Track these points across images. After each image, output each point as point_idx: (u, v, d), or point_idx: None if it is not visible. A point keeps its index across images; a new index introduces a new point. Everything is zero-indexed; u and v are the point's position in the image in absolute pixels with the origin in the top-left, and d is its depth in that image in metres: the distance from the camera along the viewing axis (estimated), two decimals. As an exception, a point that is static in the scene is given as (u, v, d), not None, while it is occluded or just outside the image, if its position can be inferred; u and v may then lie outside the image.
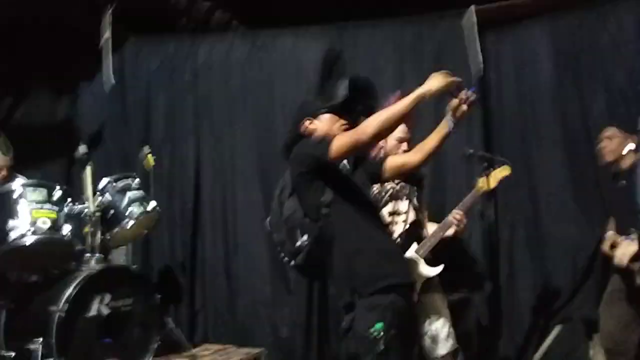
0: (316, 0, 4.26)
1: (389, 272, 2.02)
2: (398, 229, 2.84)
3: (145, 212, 3.42)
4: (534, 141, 3.78)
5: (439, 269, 2.85)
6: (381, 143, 2.85)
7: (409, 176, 2.90)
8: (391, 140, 2.82)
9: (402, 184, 2.90)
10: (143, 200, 3.45)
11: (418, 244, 2.86)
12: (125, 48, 4.41)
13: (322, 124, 2.22)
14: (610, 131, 3.22)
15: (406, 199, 2.88)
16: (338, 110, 2.22)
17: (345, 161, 2.25)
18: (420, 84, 1.97)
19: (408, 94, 2.37)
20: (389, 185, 2.87)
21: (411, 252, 2.82)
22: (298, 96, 3.97)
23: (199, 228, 4.21)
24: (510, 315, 3.68)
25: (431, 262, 2.86)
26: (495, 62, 3.90)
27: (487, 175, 2.93)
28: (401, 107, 1.97)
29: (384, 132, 2.01)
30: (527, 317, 3.66)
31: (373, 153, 2.93)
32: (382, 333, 1.87)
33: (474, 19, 3.75)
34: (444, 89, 2.00)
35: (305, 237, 2.10)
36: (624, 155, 3.13)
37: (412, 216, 2.87)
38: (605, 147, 3.23)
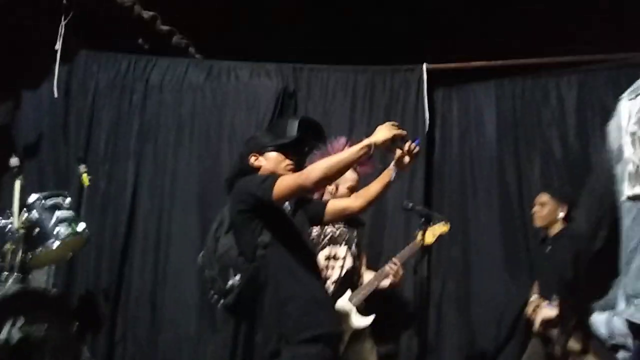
0: (275, 38, 4.32)
1: (319, 321, 2.01)
2: (334, 275, 2.83)
3: (73, 234, 3.25)
4: (471, 200, 3.90)
5: (370, 319, 2.84)
6: (332, 190, 2.87)
7: (349, 222, 2.92)
8: (342, 188, 2.84)
9: (342, 229, 2.91)
10: (72, 221, 3.28)
11: (352, 291, 2.84)
12: (76, 61, 4.28)
13: (268, 161, 2.20)
14: (544, 197, 3.35)
15: (345, 245, 2.88)
16: (286, 150, 2.21)
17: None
18: (370, 132, 2.00)
19: (355, 143, 2.42)
20: (328, 229, 2.88)
21: (344, 300, 2.80)
22: (247, 130, 3.97)
23: (128, 255, 4.01)
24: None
25: (363, 312, 2.85)
26: (441, 119, 4.04)
27: (426, 230, 2.94)
28: (348, 156, 1.98)
29: (329, 178, 2.01)
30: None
31: (318, 195, 2.93)
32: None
33: (425, 76, 3.92)
34: (390, 141, 2.02)
35: (237, 277, 2.06)
36: (555, 222, 3.26)
37: (349, 262, 2.87)
38: (537, 212, 3.35)
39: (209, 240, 2.23)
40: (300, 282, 2.06)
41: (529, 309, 3.16)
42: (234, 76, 4.20)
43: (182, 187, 4.05)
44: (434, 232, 2.99)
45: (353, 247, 2.92)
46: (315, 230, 2.86)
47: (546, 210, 3.29)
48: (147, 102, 4.21)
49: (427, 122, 3.89)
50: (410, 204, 2.87)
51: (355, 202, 2.40)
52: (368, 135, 2.05)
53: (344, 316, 2.79)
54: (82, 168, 3.54)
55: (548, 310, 2.77)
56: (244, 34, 4.40)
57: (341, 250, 2.88)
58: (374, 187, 2.33)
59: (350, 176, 2.86)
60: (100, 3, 4.13)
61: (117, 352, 3.91)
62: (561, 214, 3.21)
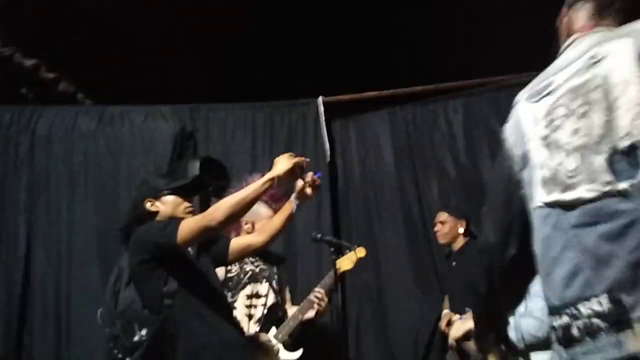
0: (168, 80, 4.26)
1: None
2: (257, 313, 2.78)
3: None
4: (377, 224, 4.00)
5: (297, 353, 2.79)
6: (248, 229, 2.83)
7: (268, 258, 2.89)
8: (259, 226, 2.79)
9: (262, 266, 2.86)
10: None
11: (277, 327, 2.79)
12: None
13: (165, 205, 2.12)
14: (443, 216, 3.52)
15: (266, 282, 2.84)
16: (183, 192, 2.14)
17: None
18: (271, 165, 2.00)
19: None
20: (247, 267, 2.83)
21: (269, 337, 2.75)
22: (144, 173, 3.84)
23: (27, 317, 3.72)
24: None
25: (290, 347, 2.80)
26: (341, 149, 4.16)
27: (344, 257, 2.99)
28: (251, 191, 1.95)
29: (234, 216, 1.96)
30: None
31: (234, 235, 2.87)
32: None
33: (322, 109, 4.02)
34: (290, 171, 2.01)
35: (144, 332, 1.97)
36: (456, 237, 3.42)
37: (271, 299, 2.83)
38: (439, 230, 3.51)
39: (107, 295, 2.09)
40: (212, 327, 1.99)
41: (442, 323, 3.27)
42: (128, 121, 4.07)
43: (79, 239, 3.82)
44: (351, 258, 3.00)
45: (274, 283, 2.88)
46: (235, 270, 2.80)
47: (447, 228, 3.46)
48: (35, 154, 3.97)
49: (328, 152, 3.98)
50: (319, 235, 2.89)
51: (258, 237, 2.37)
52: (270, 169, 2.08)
53: (271, 353, 2.72)
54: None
55: (460, 324, 2.87)
56: (135, 77, 4.30)
57: (263, 287, 2.83)
58: (276, 220, 2.32)
59: (266, 213, 2.84)
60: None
61: None
62: (461, 230, 3.38)
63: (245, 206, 1.96)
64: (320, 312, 2.88)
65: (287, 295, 3.08)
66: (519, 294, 1.45)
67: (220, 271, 2.75)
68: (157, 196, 2.13)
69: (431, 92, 4.08)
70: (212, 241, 2.35)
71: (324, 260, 3.57)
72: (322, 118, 4.02)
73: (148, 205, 2.11)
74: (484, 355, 1.63)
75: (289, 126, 4.07)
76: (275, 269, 2.94)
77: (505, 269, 1.31)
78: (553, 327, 1.10)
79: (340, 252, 3.02)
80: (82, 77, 4.53)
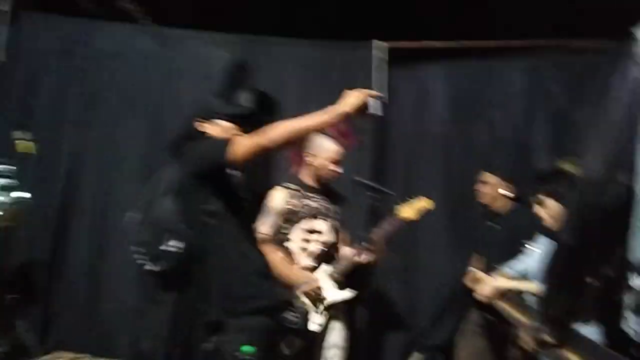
0: (227, 8, 4.22)
1: (261, 293, 1.99)
2: (312, 248, 2.78)
3: (13, 203, 3.10)
4: (416, 176, 3.96)
5: (347, 293, 2.78)
6: (310, 161, 2.81)
7: (330, 195, 2.87)
8: (321, 159, 2.78)
9: (323, 203, 2.84)
10: (11, 189, 3.13)
11: (328, 265, 2.80)
12: (18, 24, 4.03)
13: (219, 129, 2.11)
14: (487, 176, 3.44)
15: (326, 219, 2.83)
16: (237, 120, 2.13)
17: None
18: (323, 107, 1.89)
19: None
20: (308, 202, 2.80)
21: (322, 274, 2.76)
22: (198, 100, 3.87)
23: (67, 223, 3.88)
24: (371, 339, 3.74)
25: (341, 286, 2.78)
26: (394, 95, 4.05)
27: (407, 203, 2.89)
28: (314, 120, 1.88)
29: (291, 141, 1.90)
30: (389, 342, 3.80)
31: (293, 169, 2.88)
32: (250, 357, 1.82)
33: (381, 54, 3.93)
34: (361, 108, 1.88)
35: (173, 242, 1.93)
36: (498, 198, 3.35)
37: (329, 236, 2.82)
38: (480, 190, 3.45)
39: (141, 201, 2.07)
40: (244, 253, 2.02)
41: (468, 280, 3.25)
42: (184, 45, 4.07)
43: (126, 156, 3.93)
44: (416, 207, 2.88)
45: (334, 223, 2.86)
46: (295, 203, 2.78)
47: (489, 188, 3.40)
48: (92, 68, 4.03)
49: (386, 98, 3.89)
50: (358, 178, 2.87)
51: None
52: (319, 108, 1.96)
53: (320, 289, 2.74)
54: (19, 134, 3.37)
55: (490, 280, 2.84)
56: (195, 2, 4.28)
57: (322, 224, 2.82)
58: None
59: (330, 147, 2.80)
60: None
61: (54, 325, 3.78)
62: (502, 191, 3.31)
63: (305, 133, 1.92)
64: (375, 260, 2.81)
65: (342, 236, 2.99)
66: (615, 251, 1.13)
67: (281, 202, 2.77)
68: (208, 118, 2.12)
69: (493, 49, 3.92)
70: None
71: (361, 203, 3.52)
72: (378, 63, 3.93)
73: (201, 125, 2.12)
74: (560, 345, 1.32)
75: (342, 67, 3.99)
76: (336, 207, 2.89)
77: (607, 210, 1.05)
78: None
79: (377, 198, 2.95)
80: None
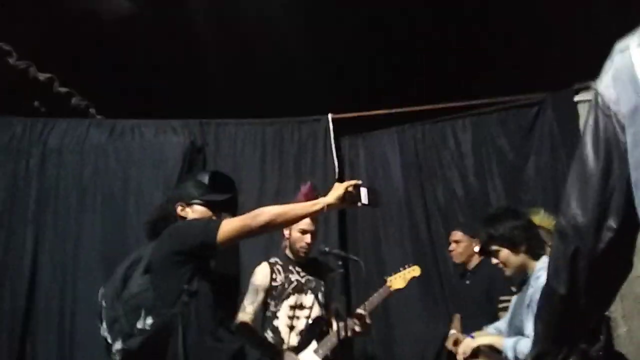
0: (179, 95, 4.30)
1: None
2: (299, 325, 2.73)
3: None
4: (384, 242, 4.00)
5: None
6: (285, 234, 2.83)
7: (316, 270, 2.86)
8: (295, 231, 2.78)
9: (308, 277, 2.82)
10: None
11: (318, 342, 2.74)
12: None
13: (194, 214, 2.13)
14: (457, 235, 3.50)
15: (311, 293, 2.79)
16: (214, 206, 2.15)
17: None
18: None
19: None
20: (293, 277, 2.78)
21: (309, 352, 2.70)
22: (155, 188, 3.87)
23: (30, 331, 3.69)
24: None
25: None
26: (350, 166, 4.19)
27: (397, 275, 2.94)
28: (300, 209, 1.98)
29: (276, 226, 1.98)
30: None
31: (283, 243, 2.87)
32: None
33: (331, 125, 4.05)
34: (342, 198, 1.98)
35: (149, 320, 1.88)
36: (472, 256, 3.40)
37: (316, 311, 2.78)
38: (453, 249, 3.49)
39: (115, 276, 2.03)
40: (219, 337, 1.98)
41: (449, 343, 3.23)
42: (139, 134, 4.11)
43: (86, 252, 3.82)
44: (405, 277, 2.95)
45: (320, 296, 2.82)
46: (280, 279, 2.76)
47: (462, 247, 3.44)
48: (45, 166, 3.99)
49: (337, 169, 4.00)
50: (327, 248, 2.87)
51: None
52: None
53: None
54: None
55: (470, 341, 2.84)
56: (147, 92, 4.35)
57: (307, 299, 2.78)
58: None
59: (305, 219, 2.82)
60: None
61: None
62: (476, 248, 3.36)
63: (290, 220, 1.99)
64: (359, 333, 2.75)
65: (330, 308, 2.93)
66: (609, 295, 1.13)
67: (265, 279, 2.75)
68: (189, 203, 2.14)
69: (440, 111, 4.10)
70: None
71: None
72: (332, 135, 4.06)
73: (179, 209, 2.13)
74: None
75: (298, 142, 4.10)
76: (322, 282, 2.87)
77: (598, 258, 1.03)
78: None
79: (346, 266, 2.97)
80: (94, 92, 4.59)
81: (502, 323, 2.67)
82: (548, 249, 2.43)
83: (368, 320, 2.72)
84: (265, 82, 4.22)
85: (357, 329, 2.71)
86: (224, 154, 4.07)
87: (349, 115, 4.14)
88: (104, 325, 1.98)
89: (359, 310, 2.75)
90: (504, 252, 2.37)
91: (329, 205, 1.97)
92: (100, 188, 3.97)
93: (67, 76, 4.42)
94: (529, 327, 2.15)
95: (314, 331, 2.76)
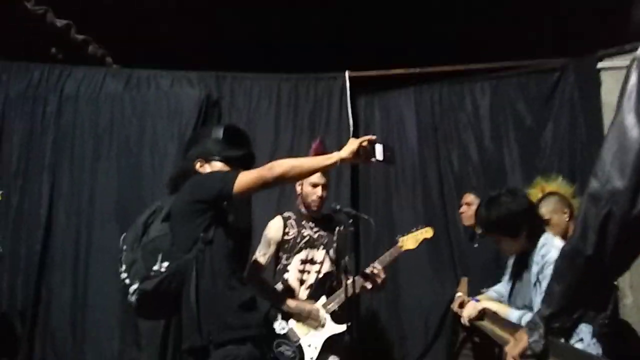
0: (196, 47, 4.27)
1: (247, 323, 1.99)
2: (309, 279, 2.77)
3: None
4: (396, 202, 4.00)
5: (343, 327, 2.72)
6: (297, 189, 2.86)
7: (328, 226, 2.87)
8: (306, 186, 2.80)
9: (321, 232, 2.84)
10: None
11: (327, 297, 2.76)
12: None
13: (214, 169, 2.17)
14: (469, 198, 3.49)
15: (323, 249, 2.82)
16: (232, 163, 2.18)
17: None
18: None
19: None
20: (305, 232, 2.81)
21: (318, 306, 2.73)
22: (170, 139, 3.89)
23: (45, 273, 3.78)
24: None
25: (339, 319, 2.74)
26: (364, 125, 4.14)
27: (409, 235, 2.92)
28: (314, 163, 2.01)
29: (290, 178, 2.02)
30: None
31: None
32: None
33: (347, 83, 4.01)
34: (355, 153, 1.96)
35: (165, 264, 1.96)
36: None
37: (326, 267, 2.81)
38: (464, 212, 3.49)
39: (137, 223, 2.11)
40: (231, 282, 2.02)
41: (455, 305, 3.27)
42: (155, 85, 4.10)
43: (101, 200, 3.88)
44: (417, 237, 2.92)
45: (331, 252, 2.84)
46: (292, 233, 2.80)
47: (473, 210, 3.42)
48: (62, 114, 4.01)
49: (352, 127, 3.97)
50: (338, 206, 2.89)
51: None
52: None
53: (317, 322, 2.71)
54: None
55: (475, 304, 2.87)
56: (164, 43, 4.32)
57: (319, 254, 2.81)
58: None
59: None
60: (11, 11, 3.93)
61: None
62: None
63: (304, 172, 2.02)
64: (375, 288, 2.77)
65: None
66: (632, 260, 1.16)
67: (278, 232, 2.79)
68: (208, 159, 2.18)
69: (459, 73, 4.03)
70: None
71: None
72: (348, 93, 4.01)
73: (197, 165, 2.17)
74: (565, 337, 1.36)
75: (314, 99, 4.06)
76: (334, 237, 2.88)
77: (631, 223, 1.05)
78: None
79: (357, 224, 2.97)
80: (112, 40, 4.57)
81: (502, 286, 2.69)
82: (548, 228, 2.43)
83: (383, 275, 2.73)
84: (283, 36, 4.17)
85: (368, 285, 2.73)
86: (239, 107, 4.05)
87: (366, 74, 4.08)
88: (123, 267, 2.06)
89: (371, 268, 2.76)
90: (505, 240, 2.33)
91: (343, 160, 1.97)
92: (115, 137, 3.99)
93: (84, 24, 4.39)
94: (538, 303, 2.14)
95: (324, 286, 2.79)
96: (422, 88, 4.12)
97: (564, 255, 1.23)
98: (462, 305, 3.17)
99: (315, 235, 2.83)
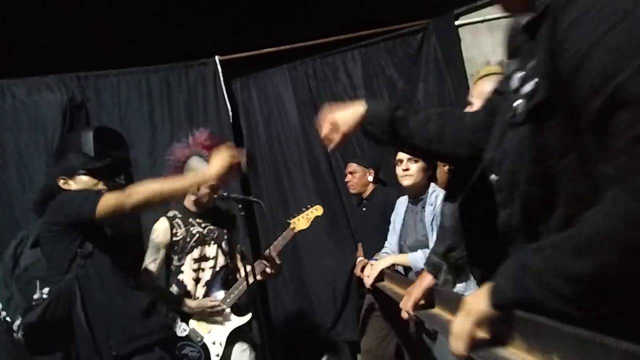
0: (53, 50, 3.96)
1: (150, 329, 1.95)
2: (205, 276, 2.70)
3: None
4: (286, 181, 4.01)
5: (246, 317, 2.73)
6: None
7: (217, 220, 2.80)
8: (203, 188, 2.67)
9: (210, 227, 2.76)
10: None
11: (226, 290, 2.72)
12: None
13: (78, 185, 2.11)
14: (352, 167, 3.57)
15: (214, 244, 2.75)
16: (98, 173, 2.14)
17: None
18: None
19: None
20: (194, 230, 2.71)
21: (218, 301, 2.67)
22: (35, 151, 3.59)
23: None
24: (279, 352, 3.74)
25: (239, 311, 2.73)
26: (244, 108, 4.08)
27: (300, 216, 2.94)
28: (177, 187, 1.95)
29: (152, 205, 1.98)
30: (297, 350, 3.77)
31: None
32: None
33: (219, 68, 3.92)
34: (226, 172, 1.94)
35: (45, 290, 1.88)
36: (366, 185, 3.49)
37: (221, 261, 2.75)
38: (349, 181, 3.57)
39: (5, 256, 1.99)
40: (126, 294, 1.99)
41: (357, 270, 3.35)
42: (10, 95, 3.74)
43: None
44: (308, 217, 2.96)
45: (224, 245, 2.77)
46: (180, 233, 2.68)
47: (357, 178, 3.51)
48: None
49: (230, 113, 3.90)
50: (225, 193, 2.83)
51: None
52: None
53: (220, 317, 2.67)
54: None
55: (374, 265, 2.94)
56: (16, 50, 3.96)
57: (211, 249, 2.73)
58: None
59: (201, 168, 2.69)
60: None
61: None
62: (370, 177, 3.45)
63: (166, 198, 1.99)
64: (271, 275, 2.77)
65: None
66: None
67: (165, 235, 2.66)
68: (71, 175, 2.11)
69: (329, 45, 4.08)
70: None
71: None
72: (221, 77, 3.92)
73: (61, 183, 2.10)
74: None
75: (187, 88, 3.93)
76: (224, 230, 2.81)
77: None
78: None
79: (248, 209, 2.95)
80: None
81: (390, 238, 2.83)
82: None
83: (278, 261, 2.74)
84: (145, 28, 3.98)
85: (268, 270, 2.72)
86: (108, 108, 3.81)
87: (237, 56, 4.00)
88: (0, 306, 1.94)
89: (266, 254, 2.76)
90: (418, 165, 2.66)
91: (212, 179, 1.98)
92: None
93: None
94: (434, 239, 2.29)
95: (221, 280, 2.75)
96: (296, 64, 4.12)
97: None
98: (363, 269, 3.27)
99: (205, 231, 2.76)
